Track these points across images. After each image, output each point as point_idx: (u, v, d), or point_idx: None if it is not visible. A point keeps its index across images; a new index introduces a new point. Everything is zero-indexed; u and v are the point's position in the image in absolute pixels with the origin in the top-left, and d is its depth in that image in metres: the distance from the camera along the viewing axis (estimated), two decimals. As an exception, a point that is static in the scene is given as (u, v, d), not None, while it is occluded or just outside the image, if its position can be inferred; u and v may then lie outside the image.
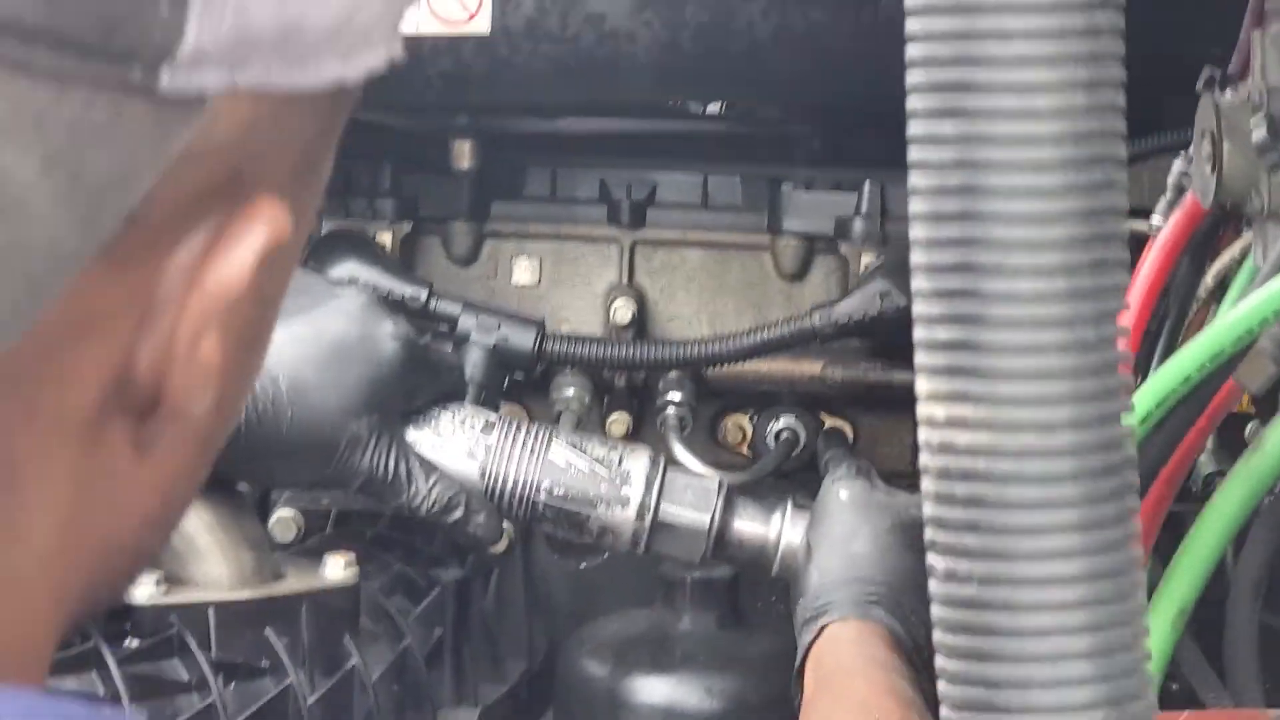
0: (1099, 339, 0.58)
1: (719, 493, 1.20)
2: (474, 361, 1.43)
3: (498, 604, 1.43)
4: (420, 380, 1.19)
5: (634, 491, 1.19)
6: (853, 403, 1.57)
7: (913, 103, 0.58)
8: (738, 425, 1.59)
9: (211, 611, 1.11)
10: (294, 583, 1.17)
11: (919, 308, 0.59)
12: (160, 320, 0.45)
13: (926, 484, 0.60)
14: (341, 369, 1.15)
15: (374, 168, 1.55)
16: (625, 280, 1.60)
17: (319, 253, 1.46)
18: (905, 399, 1.53)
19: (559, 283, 1.61)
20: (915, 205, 0.58)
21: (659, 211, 1.60)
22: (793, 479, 1.55)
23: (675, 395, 1.52)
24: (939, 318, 0.59)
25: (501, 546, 1.42)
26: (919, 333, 0.59)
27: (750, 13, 1.38)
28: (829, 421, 1.58)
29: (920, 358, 0.59)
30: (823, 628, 1.09)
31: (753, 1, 1.38)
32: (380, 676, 1.18)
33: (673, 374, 1.53)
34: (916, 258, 0.59)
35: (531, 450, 1.20)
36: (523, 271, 1.61)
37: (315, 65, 0.45)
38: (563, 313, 1.60)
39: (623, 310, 1.56)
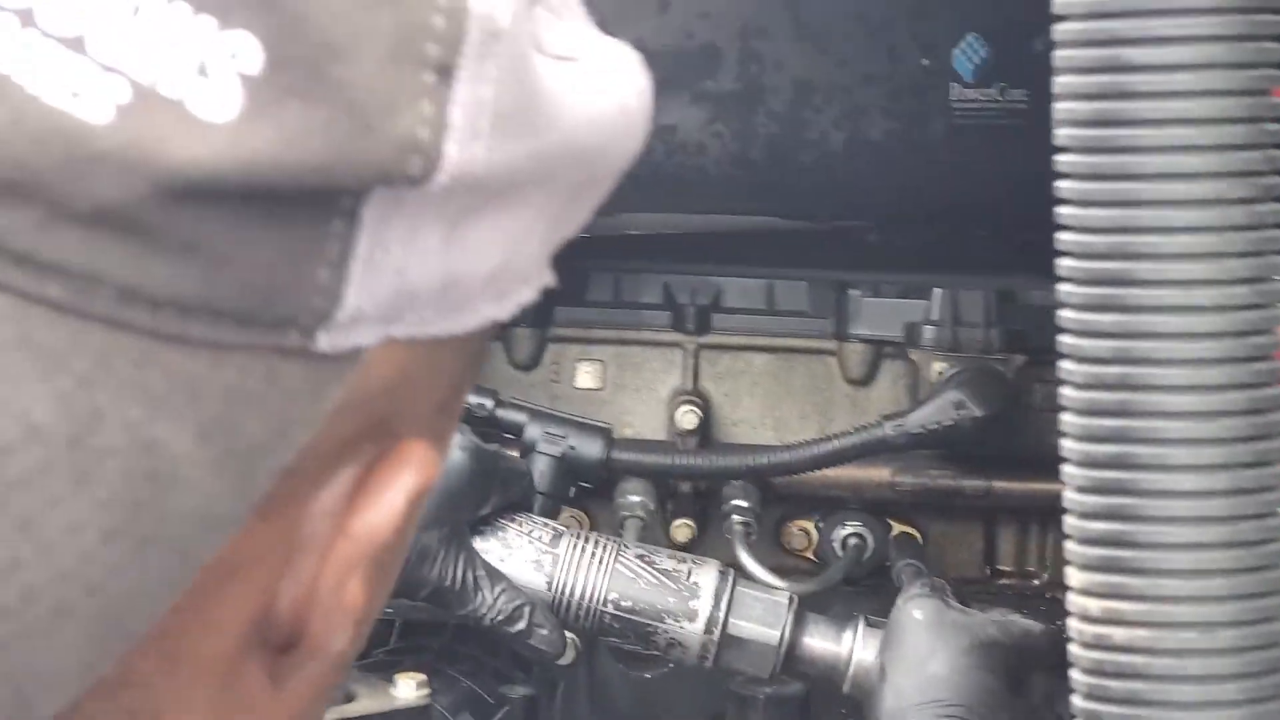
0: (1261, 535, 0.56)
1: (789, 608, 1.19)
2: (540, 470, 1.41)
3: (564, 718, 1.41)
4: (489, 489, 1.19)
5: (702, 605, 1.18)
6: (921, 508, 1.56)
7: (1067, 290, 0.57)
8: (803, 530, 1.58)
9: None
10: (365, 704, 1.16)
11: (1072, 497, 0.58)
12: (304, 563, 0.44)
13: (1077, 678, 0.58)
14: None
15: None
16: (690, 385, 1.58)
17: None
18: (975, 506, 1.53)
19: (622, 387, 1.59)
20: (1068, 394, 0.57)
21: (724, 316, 1.59)
22: (861, 586, 1.53)
23: (740, 501, 1.50)
24: (1094, 511, 0.57)
25: (568, 659, 1.40)
26: (1071, 523, 0.58)
27: (822, 124, 1.37)
28: (897, 527, 1.56)
29: (1073, 550, 0.57)
30: None
31: (824, 112, 1.37)
32: (453, 799, 1.17)
33: (738, 480, 1.51)
34: (1070, 446, 0.57)
35: (599, 561, 1.19)
36: (586, 376, 1.59)
37: (470, 311, 0.44)
38: (626, 417, 1.59)
39: (687, 416, 1.54)
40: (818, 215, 1.46)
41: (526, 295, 0.47)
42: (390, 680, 1.18)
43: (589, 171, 0.48)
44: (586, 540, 1.21)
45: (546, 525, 1.23)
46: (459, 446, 1.19)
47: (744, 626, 1.18)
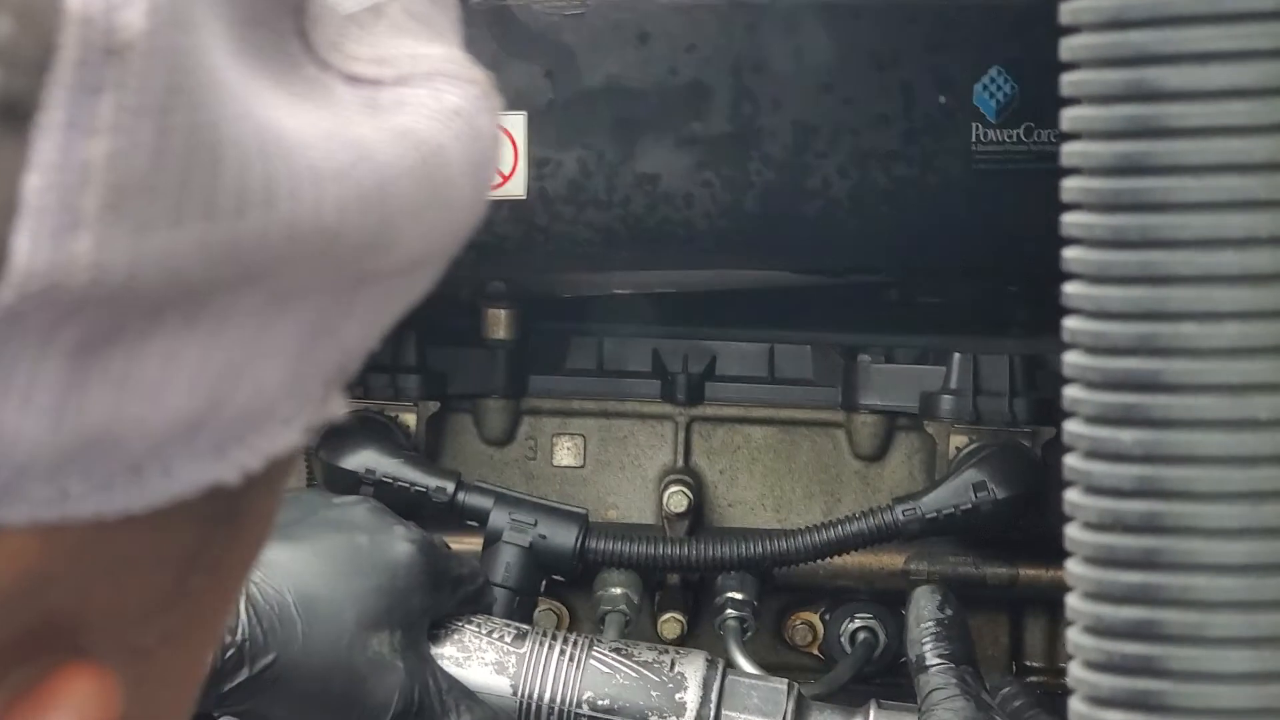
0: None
1: (788, 695, 1.08)
2: (507, 562, 1.26)
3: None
4: (441, 588, 1.05)
5: (690, 698, 1.07)
6: (939, 601, 1.39)
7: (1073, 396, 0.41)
8: (807, 624, 1.41)
9: None
10: None
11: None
12: None
13: None
14: (353, 578, 1.03)
15: (396, 340, 1.38)
16: (681, 462, 1.42)
17: (331, 442, 1.29)
18: (999, 596, 1.36)
19: (606, 464, 1.43)
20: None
21: (719, 385, 1.43)
22: (873, 685, 1.37)
23: (735, 594, 1.34)
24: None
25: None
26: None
27: (825, 170, 1.21)
28: (912, 622, 1.40)
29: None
30: None
31: (828, 157, 1.21)
32: None
33: (734, 570, 1.35)
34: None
35: (570, 659, 1.08)
36: (565, 453, 1.43)
37: (160, 476, 0.30)
38: (610, 498, 1.43)
39: (677, 498, 1.38)
40: (821, 274, 1.29)
41: (283, 439, 0.32)
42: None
43: (369, 258, 0.32)
44: (554, 637, 1.09)
45: (508, 624, 1.11)
46: (406, 539, 1.07)
47: (739, 718, 1.06)
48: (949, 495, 1.28)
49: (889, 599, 1.39)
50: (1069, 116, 0.61)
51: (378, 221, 0.32)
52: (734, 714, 1.06)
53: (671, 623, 1.38)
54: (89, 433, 0.28)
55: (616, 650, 1.09)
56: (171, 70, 0.27)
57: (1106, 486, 0.51)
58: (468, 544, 1.34)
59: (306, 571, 1.01)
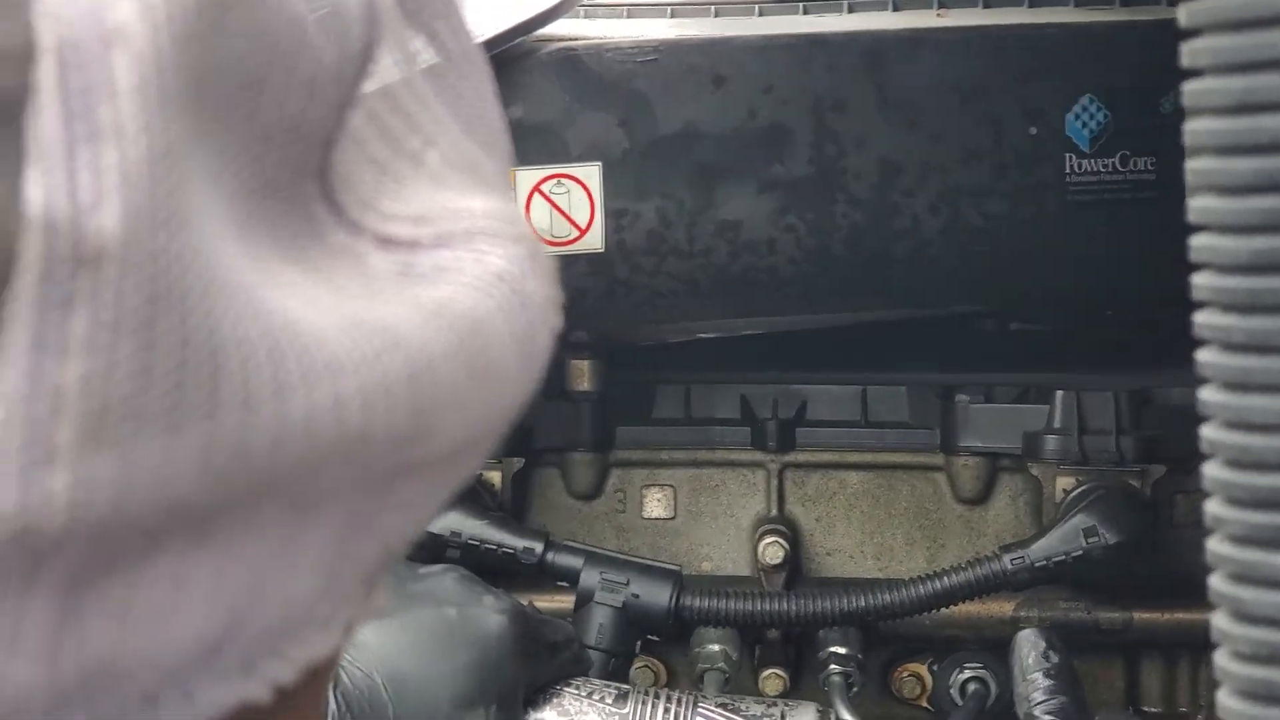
0: None
1: None
2: (600, 623, 1.22)
3: None
4: (536, 656, 1.01)
5: None
6: (1051, 648, 1.33)
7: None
8: (915, 675, 1.36)
9: None
10: None
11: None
12: None
13: None
14: (444, 655, 0.98)
15: (478, 397, 1.34)
16: (774, 510, 1.37)
17: (415, 508, 1.26)
18: (1113, 643, 1.31)
19: (698, 515, 1.39)
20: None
21: (811, 430, 1.38)
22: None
23: (839, 648, 1.29)
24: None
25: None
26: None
27: (915, 209, 1.16)
28: (1023, 670, 1.34)
29: None
30: None
31: (916, 196, 1.16)
32: None
33: (836, 623, 1.30)
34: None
35: (675, 717, 1.01)
36: (655, 504, 1.39)
37: (171, 704, 0.27)
38: (703, 549, 1.38)
39: (773, 549, 1.33)
40: (911, 313, 1.24)
41: (321, 644, 0.29)
42: None
43: (403, 452, 0.28)
44: (656, 695, 1.04)
45: (608, 685, 1.06)
46: (497, 610, 1.02)
47: None
48: (1058, 542, 1.22)
49: (999, 647, 1.33)
50: (1191, 130, 0.56)
51: (410, 414, 0.28)
52: None
53: (773, 679, 1.33)
54: (91, 667, 0.25)
55: (723, 705, 1.04)
56: (155, 277, 0.23)
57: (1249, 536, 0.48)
58: (559, 602, 1.30)
59: (396, 651, 0.97)
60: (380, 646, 0.97)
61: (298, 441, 0.26)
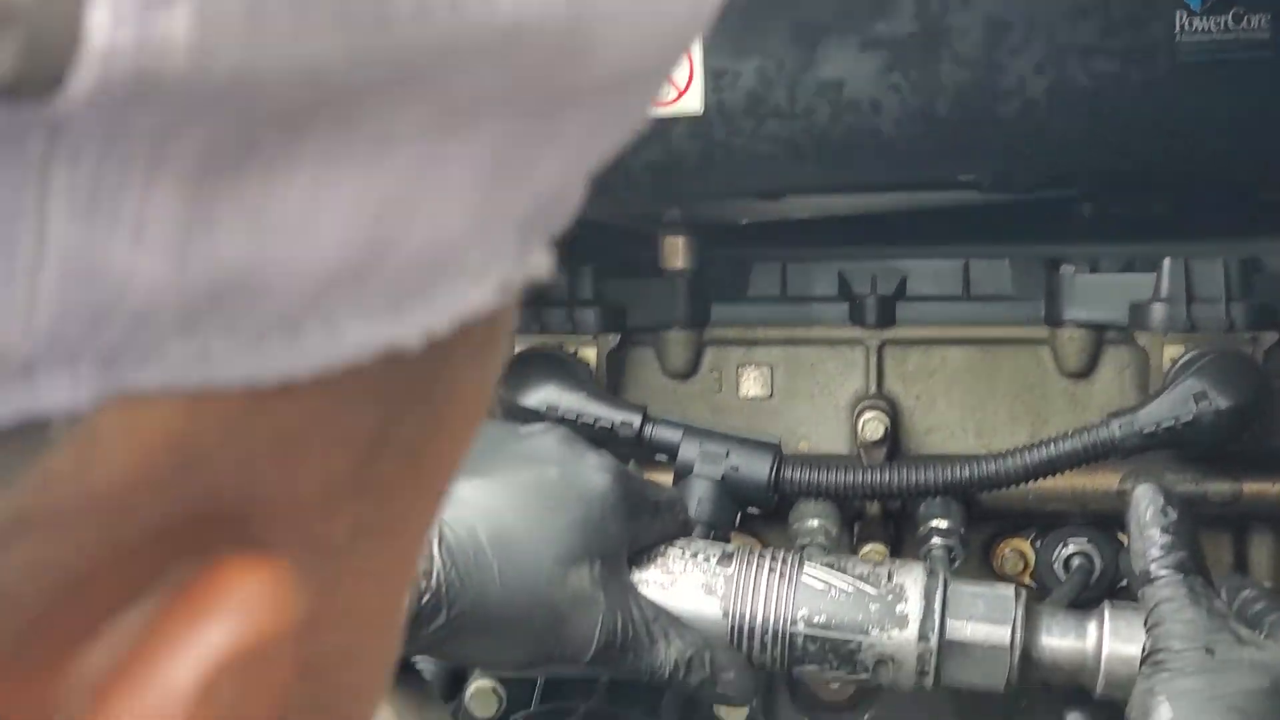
0: None
1: (1017, 601, 0.99)
2: (699, 496, 1.20)
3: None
4: (639, 517, 1.01)
5: (912, 608, 0.99)
6: (1157, 522, 1.31)
7: None
8: (1017, 551, 1.34)
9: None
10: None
11: None
12: None
13: None
14: (548, 513, 0.96)
15: (572, 273, 1.32)
16: (874, 388, 1.35)
17: (510, 378, 1.25)
18: (1222, 514, 1.28)
19: (795, 394, 1.37)
20: None
21: (911, 305, 1.36)
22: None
23: (940, 522, 1.27)
24: None
25: (741, 715, 1.20)
26: None
27: (1020, 69, 1.13)
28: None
29: None
30: None
31: (1022, 55, 1.13)
32: None
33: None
34: None
35: (781, 576, 1.00)
36: (751, 383, 1.37)
37: (313, 334, 0.25)
38: (801, 429, 1.37)
39: (872, 425, 1.31)
40: (1017, 179, 1.22)
41: (473, 296, 0.27)
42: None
43: (560, 68, 0.26)
44: (761, 556, 1.02)
45: (712, 545, 1.04)
46: (600, 469, 1.00)
47: (966, 628, 0.98)
48: (1167, 407, 1.20)
49: (1104, 522, 1.31)
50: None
51: (566, 12, 0.25)
52: (960, 623, 0.98)
53: (873, 554, 1.31)
54: (224, 275, 0.23)
55: (829, 566, 1.01)
56: None
57: None
58: (656, 479, 1.29)
59: (499, 507, 0.95)
60: (484, 503, 0.95)
61: (442, 15, 0.24)
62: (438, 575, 0.91)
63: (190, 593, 0.26)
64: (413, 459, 0.30)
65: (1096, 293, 1.30)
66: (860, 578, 1.00)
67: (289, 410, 0.26)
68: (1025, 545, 1.34)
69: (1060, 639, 0.99)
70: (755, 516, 1.28)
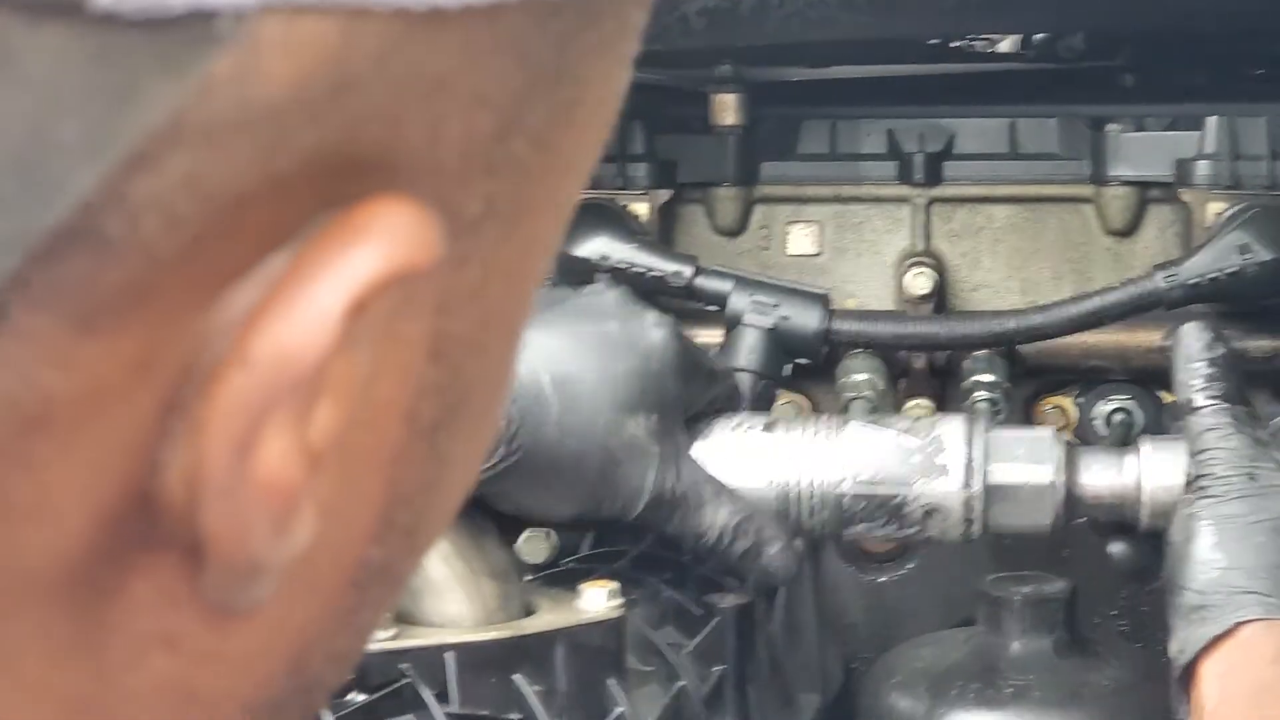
0: None
1: (1056, 441, 1.01)
2: (749, 345, 1.22)
3: (785, 630, 1.22)
4: (695, 379, 1.03)
5: (953, 457, 1.00)
6: (1199, 377, 1.33)
7: None
8: (1059, 408, 1.36)
9: (451, 656, 0.93)
10: (547, 618, 0.99)
11: None
12: (195, 415, 0.27)
13: None
14: (607, 362, 0.98)
15: (623, 128, 1.34)
16: (921, 245, 1.37)
17: (563, 228, 1.27)
18: (1265, 370, 1.30)
19: (843, 251, 1.39)
20: None
21: (958, 164, 1.37)
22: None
23: (985, 376, 1.29)
24: None
25: (542, 557, 1.22)
26: None
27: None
28: (1169, 398, 1.34)
29: None
30: (1236, 625, 0.89)
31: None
32: (652, 725, 0.99)
33: (981, 351, 1.30)
34: None
35: (824, 439, 1.02)
36: (800, 240, 1.39)
37: None
38: (848, 286, 1.39)
39: (919, 280, 1.33)
40: (1059, 32, 1.22)
41: None
42: (576, 591, 1.00)
43: None
44: (805, 422, 1.04)
45: (754, 415, 1.06)
46: (655, 324, 1.01)
47: (1008, 471, 1.00)
48: (1212, 259, 1.21)
49: (1146, 378, 1.33)
50: None
51: None
52: (1003, 466, 1.00)
53: (917, 409, 1.33)
54: None
55: (869, 423, 1.04)
56: None
57: None
58: (706, 337, 1.31)
59: (560, 355, 0.97)
60: (545, 349, 0.97)
61: None
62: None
63: (340, 223, 0.27)
64: (543, 148, 0.32)
65: (1141, 150, 1.32)
66: (900, 431, 1.02)
67: (437, 48, 0.28)
68: (1067, 402, 1.36)
69: (1101, 475, 1.00)
70: (802, 372, 1.30)
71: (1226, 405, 0.98)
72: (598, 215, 1.29)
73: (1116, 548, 1.03)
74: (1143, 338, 1.31)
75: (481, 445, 0.37)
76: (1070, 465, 1.00)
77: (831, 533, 1.04)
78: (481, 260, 0.32)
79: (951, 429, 1.02)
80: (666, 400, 1.00)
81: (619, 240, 1.26)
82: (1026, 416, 1.36)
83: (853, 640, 1.34)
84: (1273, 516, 0.93)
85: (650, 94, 1.34)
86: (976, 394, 1.29)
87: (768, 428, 1.03)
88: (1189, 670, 0.90)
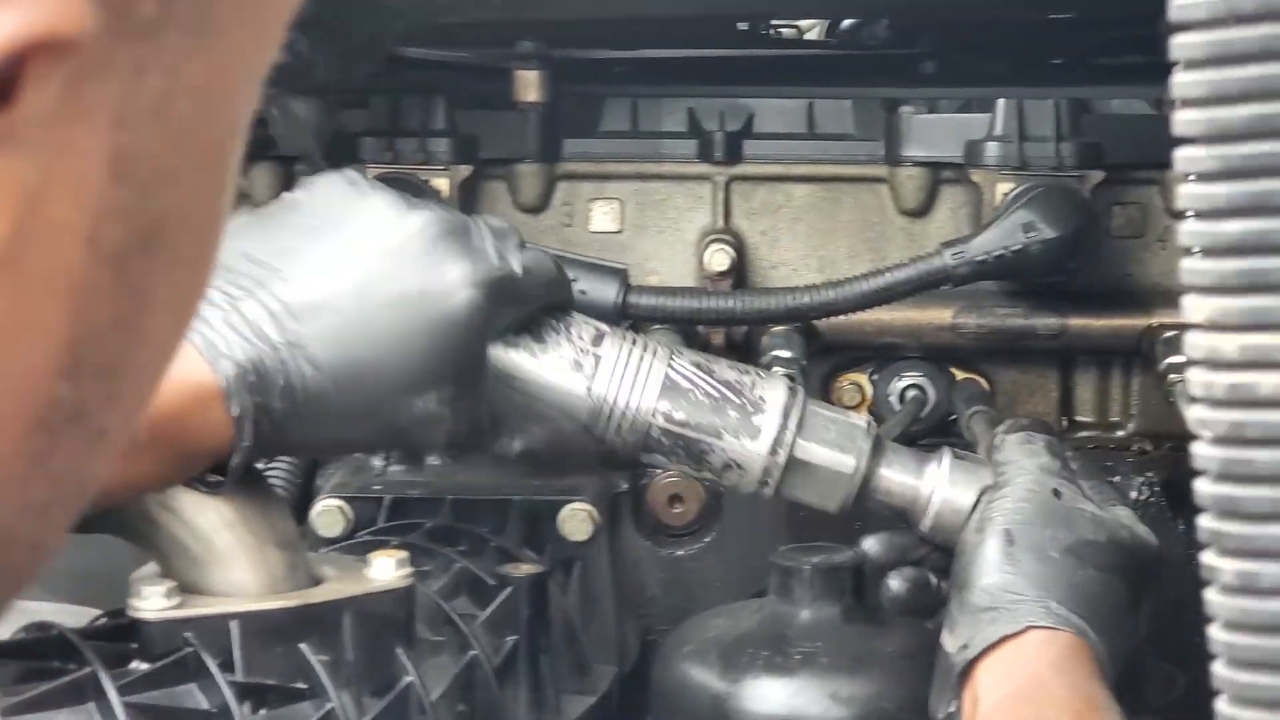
0: None
1: (867, 433, 1.02)
2: (548, 320, 1.23)
3: (581, 602, 1.23)
4: (510, 307, 0.96)
5: (768, 422, 1.01)
6: (988, 353, 1.37)
7: None
8: (855, 384, 1.39)
9: (235, 625, 0.92)
10: (335, 587, 0.99)
11: (1195, 191, 0.38)
12: None
13: (1204, 451, 0.39)
14: (402, 338, 0.90)
15: (425, 103, 1.34)
16: (720, 223, 1.39)
17: (364, 201, 1.27)
18: (1050, 348, 1.34)
19: (644, 229, 1.41)
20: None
21: (757, 143, 1.40)
22: (923, 445, 1.34)
23: (783, 352, 1.31)
24: (1233, 204, 0.38)
25: (585, 534, 1.23)
26: (1195, 228, 0.38)
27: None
28: (961, 376, 1.37)
29: (1196, 268, 0.38)
30: (1026, 628, 0.91)
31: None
32: (442, 695, 1.00)
33: (779, 328, 1.32)
34: (1188, 118, 0.38)
35: (649, 367, 1.01)
36: (602, 217, 1.40)
37: None
38: (649, 263, 1.40)
39: (718, 257, 1.35)
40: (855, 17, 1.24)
41: None
42: (365, 561, 1.00)
43: None
44: (634, 342, 1.02)
45: (588, 322, 1.03)
46: (464, 283, 0.92)
47: (814, 450, 1.01)
48: (998, 237, 1.25)
49: (938, 355, 1.37)
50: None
51: None
52: (810, 444, 1.01)
53: (716, 385, 1.35)
54: None
55: (698, 365, 1.03)
56: None
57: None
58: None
59: (349, 326, 0.89)
60: (333, 321, 0.89)
61: None
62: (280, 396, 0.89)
63: None
64: None
65: (934, 132, 1.35)
66: (725, 383, 1.02)
67: None
68: (863, 379, 1.39)
69: (899, 474, 1.02)
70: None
71: (1039, 433, 1.02)
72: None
73: (895, 584, 1.05)
74: (933, 315, 1.34)
75: (191, 291, 0.35)
76: (874, 458, 1.02)
77: (628, 454, 1.03)
78: (164, 72, 0.31)
79: (774, 395, 1.02)
80: (468, 362, 0.94)
81: (419, 214, 1.26)
82: (824, 393, 1.39)
83: (650, 613, 1.36)
84: (1069, 538, 0.95)
85: (453, 70, 1.34)
86: (775, 369, 1.31)
87: (598, 340, 1.02)
88: (969, 667, 0.91)
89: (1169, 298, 1.33)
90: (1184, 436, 1.25)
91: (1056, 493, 0.97)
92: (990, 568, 0.94)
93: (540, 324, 1.00)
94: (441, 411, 0.93)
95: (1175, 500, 1.32)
